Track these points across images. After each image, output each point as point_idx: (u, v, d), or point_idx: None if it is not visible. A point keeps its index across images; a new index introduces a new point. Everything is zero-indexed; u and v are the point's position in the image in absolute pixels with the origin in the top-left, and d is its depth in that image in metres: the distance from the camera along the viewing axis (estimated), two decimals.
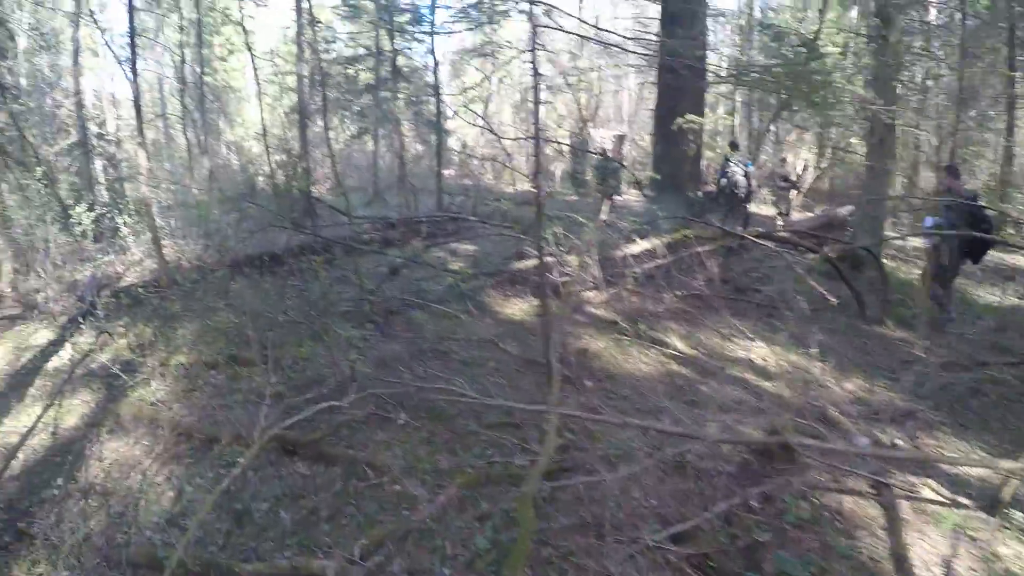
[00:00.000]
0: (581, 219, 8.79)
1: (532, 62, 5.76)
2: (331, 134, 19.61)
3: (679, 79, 11.56)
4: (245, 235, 10.59)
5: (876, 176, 11.37)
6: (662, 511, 4.36)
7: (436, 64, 18.36)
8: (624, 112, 33.93)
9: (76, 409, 6.62)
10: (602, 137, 25.28)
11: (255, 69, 18.28)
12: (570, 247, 8.67)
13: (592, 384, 6.61)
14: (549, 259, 8.85)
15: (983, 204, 8.26)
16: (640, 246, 9.12)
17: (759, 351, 7.70)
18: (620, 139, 23.66)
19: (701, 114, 12.93)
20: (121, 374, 6.91)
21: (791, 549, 3.99)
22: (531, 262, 8.99)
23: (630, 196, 19.64)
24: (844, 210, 13.67)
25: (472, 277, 9.05)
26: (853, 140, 20.01)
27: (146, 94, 36.11)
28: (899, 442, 5.36)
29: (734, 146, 14.51)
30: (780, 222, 16.33)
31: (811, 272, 9.75)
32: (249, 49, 18.22)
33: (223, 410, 6.25)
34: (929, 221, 8.51)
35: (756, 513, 4.30)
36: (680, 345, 7.69)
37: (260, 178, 20.31)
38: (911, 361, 7.38)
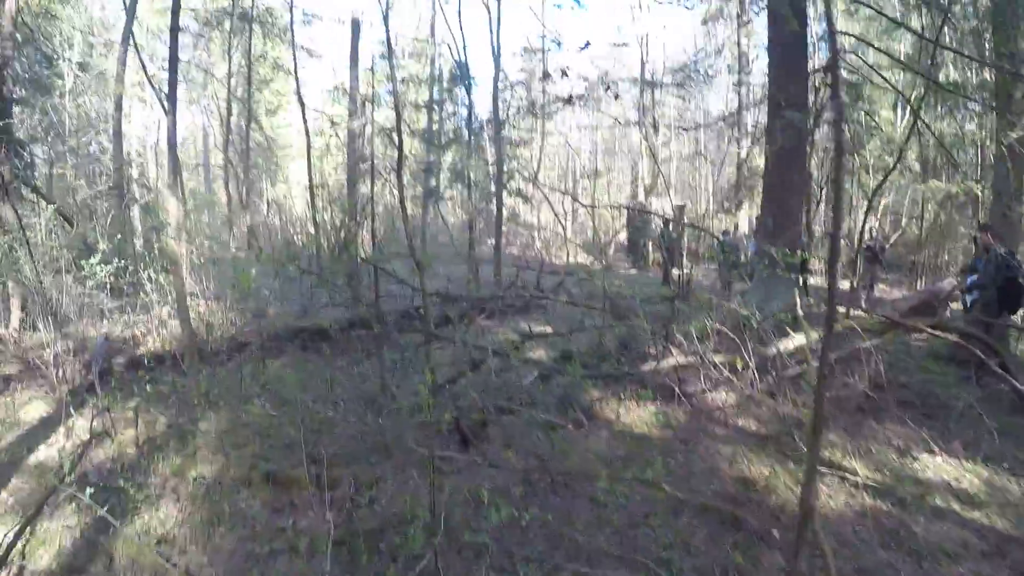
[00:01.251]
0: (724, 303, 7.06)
1: None
2: (385, 194, 18.30)
3: (792, 134, 9.95)
4: (298, 306, 8.95)
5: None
6: None
7: (500, 126, 16.81)
8: (675, 181, 32.47)
9: (54, 538, 4.75)
10: (662, 207, 23.89)
11: (305, 121, 16.91)
12: (717, 342, 6.91)
13: (780, 534, 4.73)
14: (688, 358, 7.08)
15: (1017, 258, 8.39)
16: (795, 341, 7.28)
17: (948, 469, 5.98)
18: (680, 209, 22.04)
19: (808, 178, 11.25)
20: (121, 487, 5.12)
21: None
22: (669, 362, 7.19)
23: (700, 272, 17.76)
24: (946, 284, 12.15)
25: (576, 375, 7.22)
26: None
27: (190, 145, 35.55)
28: None
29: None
30: (864, 298, 14.81)
31: (940, 359, 8.87)
32: (300, 99, 16.95)
33: (260, 564, 4.39)
34: (971, 278, 8.68)
35: None
36: (859, 467, 5.84)
37: (305, 239, 18.91)
38: None
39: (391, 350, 8.60)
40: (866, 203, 22.47)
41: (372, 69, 17.71)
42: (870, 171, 19.89)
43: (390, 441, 5.58)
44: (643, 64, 23.47)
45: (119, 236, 11.10)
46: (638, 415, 6.86)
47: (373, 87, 17.41)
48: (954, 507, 5.29)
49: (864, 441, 6.44)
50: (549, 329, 10.94)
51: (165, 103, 9.92)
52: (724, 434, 6.47)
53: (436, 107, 20.31)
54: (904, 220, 21.04)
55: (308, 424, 5.92)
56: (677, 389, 6.98)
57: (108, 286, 9.71)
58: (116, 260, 8.88)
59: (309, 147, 16.96)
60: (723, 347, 7.25)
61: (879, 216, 22.41)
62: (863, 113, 20.66)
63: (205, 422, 6.49)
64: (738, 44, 23.93)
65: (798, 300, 8.04)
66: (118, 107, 16.74)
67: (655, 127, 24.41)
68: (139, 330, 9.46)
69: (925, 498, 5.40)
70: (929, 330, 7.38)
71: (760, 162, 26.47)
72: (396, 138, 6.81)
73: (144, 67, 17.77)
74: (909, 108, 13.10)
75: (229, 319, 9.25)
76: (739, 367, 6.77)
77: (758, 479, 5.58)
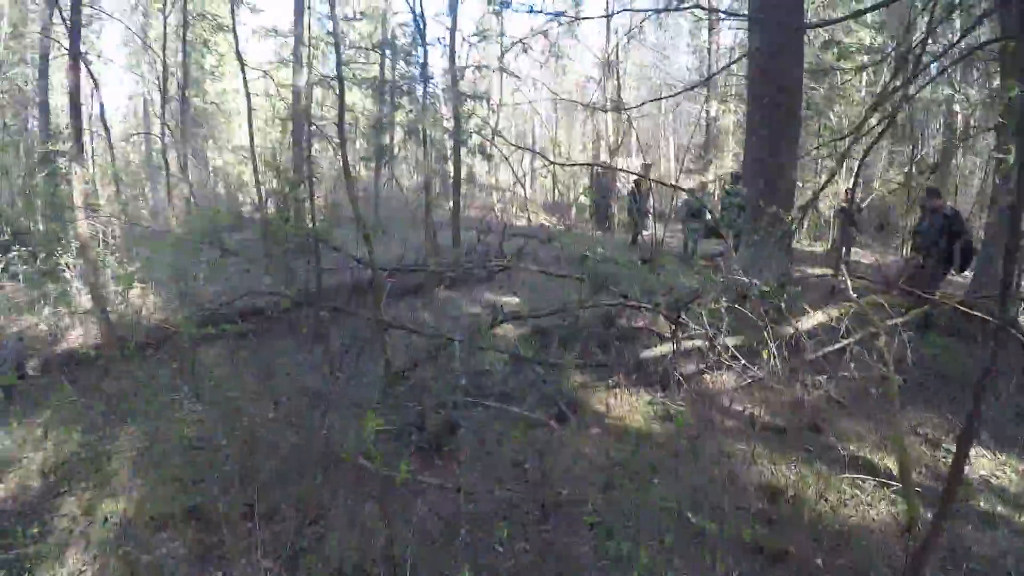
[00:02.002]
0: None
1: None
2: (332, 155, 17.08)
3: (782, 63, 8.97)
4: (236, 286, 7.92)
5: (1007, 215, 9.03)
6: None
7: (457, 77, 15.54)
8: (635, 141, 31.46)
9: None
10: (628, 167, 22.93)
11: (244, 80, 15.54)
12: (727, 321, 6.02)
13: (824, 561, 3.91)
14: (696, 342, 6.19)
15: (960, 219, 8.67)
16: (815, 319, 6.41)
17: (984, 463, 5.31)
18: (647, 168, 21.09)
19: (799, 129, 10.18)
20: (18, 539, 4.13)
21: None
22: (672, 348, 6.25)
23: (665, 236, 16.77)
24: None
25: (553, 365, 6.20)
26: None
27: (130, 115, 33.58)
28: None
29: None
30: (843, 264, 14.14)
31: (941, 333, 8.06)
32: (239, 55, 15.59)
33: None
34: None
35: None
36: (893, 466, 5.06)
37: (247, 207, 17.63)
38: None
39: (342, 331, 7.66)
40: (833, 164, 21.90)
41: (308, 7, 16.20)
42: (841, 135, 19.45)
43: (340, 454, 4.57)
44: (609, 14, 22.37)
45: (21, 218, 9.88)
46: (631, 405, 5.95)
47: (309, 39, 15.92)
48: (1000, 511, 4.61)
49: (883, 432, 5.69)
50: (516, 299, 10.05)
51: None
52: (735, 427, 5.61)
53: (388, 54, 18.87)
54: (877, 183, 20.42)
55: (243, 434, 4.95)
56: (678, 375, 6.09)
57: (24, 276, 8.61)
58: (16, 246, 7.74)
59: (249, 107, 15.64)
60: (731, 325, 6.36)
61: (854, 179, 21.90)
62: (837, 73, 20.02)
63: (123, 438, 5.48)
64: None
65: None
66: (42, 74, 15.42)
67: (619, 85, 23.36)
68: (60, 324, 8.35)
69: (970, 502, 4.69)
70: (962, 307, 6.61)
71: (728, 121, 25.81)
72: (337, 85, 5.78)
73: (64, 18, 16.24)
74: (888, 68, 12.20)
75: (156, 305, 8.17)
76: (761, 352, 5.82)
77: (784, 487, 4.75)
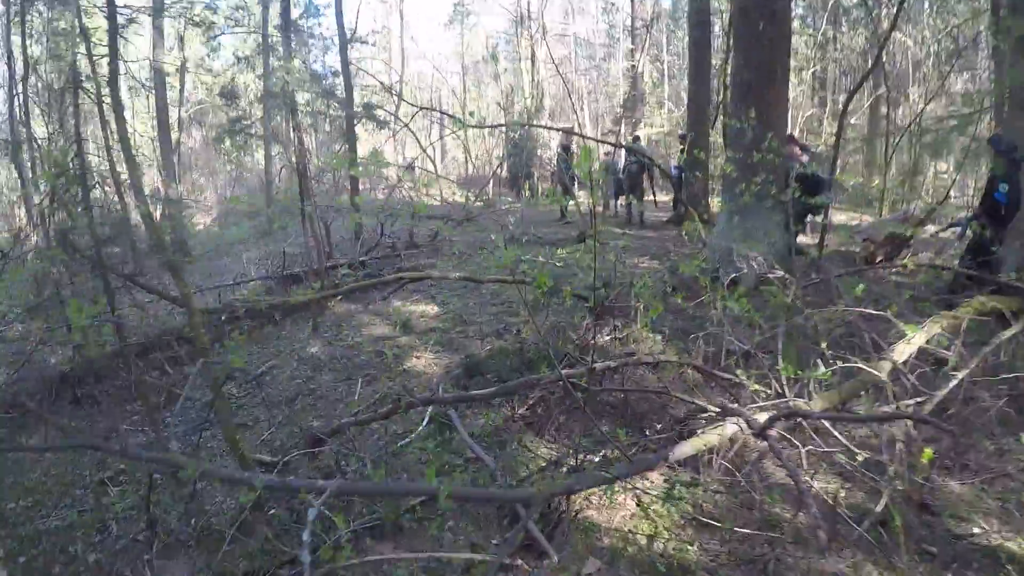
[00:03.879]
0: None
1: None
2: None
3: None
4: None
5: None
6: None
7: (347, 37, 13.11)
8: (549, 104, 29.40)
9: None
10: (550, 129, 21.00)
11: (24, 33, 12.39)
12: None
13: None
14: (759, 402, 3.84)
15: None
16: (915, 343, 4.00)
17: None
18: (569, 131, 19.03)
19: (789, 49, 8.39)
20: None
21: None
22: (726, 431, 3.55)
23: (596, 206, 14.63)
24: (917, 209, 10.11)
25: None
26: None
27: None
28: None
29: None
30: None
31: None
32: None
33: None
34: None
35: None
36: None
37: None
38: None
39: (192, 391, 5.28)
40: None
41: None
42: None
43: None
44: None
45: None
46: (639, 500, 3.46)
47: None
48: None
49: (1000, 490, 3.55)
50: (435, 309, 7.73)
51: None
52: (816, 525, 3.22)
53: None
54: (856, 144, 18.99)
55: None
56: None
57: None
58: None
59: (27, 66, 12.44)
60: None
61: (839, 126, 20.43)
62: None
63: None
64: None
65: None
66: None
67: (543, 31, 21.32)
68: None
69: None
70: None
71: (650, 80, 24.32)
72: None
73: None
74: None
75: None
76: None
77: None
